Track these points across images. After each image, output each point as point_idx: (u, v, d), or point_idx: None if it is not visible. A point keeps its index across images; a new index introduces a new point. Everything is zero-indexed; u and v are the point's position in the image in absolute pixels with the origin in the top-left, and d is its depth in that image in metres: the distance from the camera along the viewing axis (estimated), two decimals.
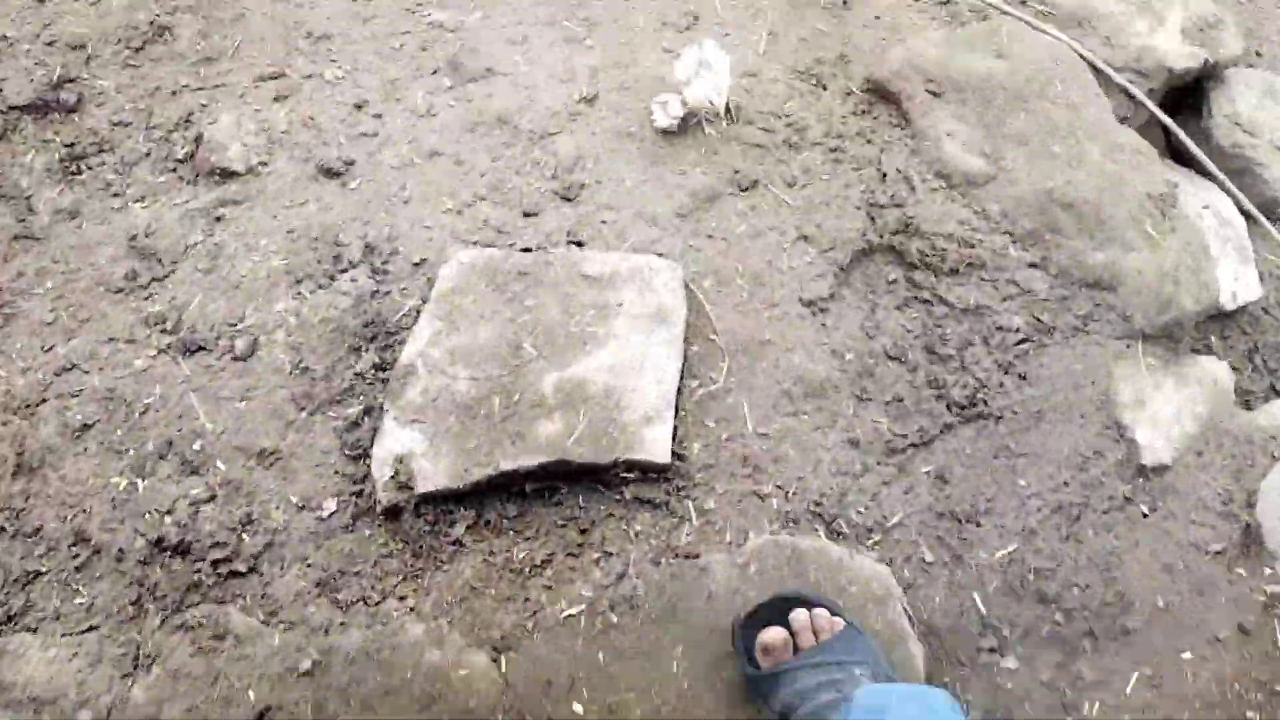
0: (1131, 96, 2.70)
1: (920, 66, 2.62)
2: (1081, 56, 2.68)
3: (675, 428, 2.19)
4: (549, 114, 2.64)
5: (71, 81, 2.68)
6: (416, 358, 2.23)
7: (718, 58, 2.53)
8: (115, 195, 2.53)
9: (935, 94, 2.60)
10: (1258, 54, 3.17)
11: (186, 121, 2.63)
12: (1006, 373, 2.36)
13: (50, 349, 2.32)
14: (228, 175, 2.52)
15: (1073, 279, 2.44)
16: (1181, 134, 2.71)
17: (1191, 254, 2.44)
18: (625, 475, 2.14)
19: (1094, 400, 2.33)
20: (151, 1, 2.83)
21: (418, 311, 2.34)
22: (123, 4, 2.81)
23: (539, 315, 2.28)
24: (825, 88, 2.72)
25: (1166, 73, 2.73)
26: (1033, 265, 2.46)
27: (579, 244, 2.46)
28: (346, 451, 2.18)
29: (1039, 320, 2.41)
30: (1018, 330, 2.39)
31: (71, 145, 2.58)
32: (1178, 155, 2.90)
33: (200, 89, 2.69)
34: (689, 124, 2.62)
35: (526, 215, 2.50)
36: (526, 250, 2.43)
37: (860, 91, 2.71)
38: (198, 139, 2.55)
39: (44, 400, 2.24)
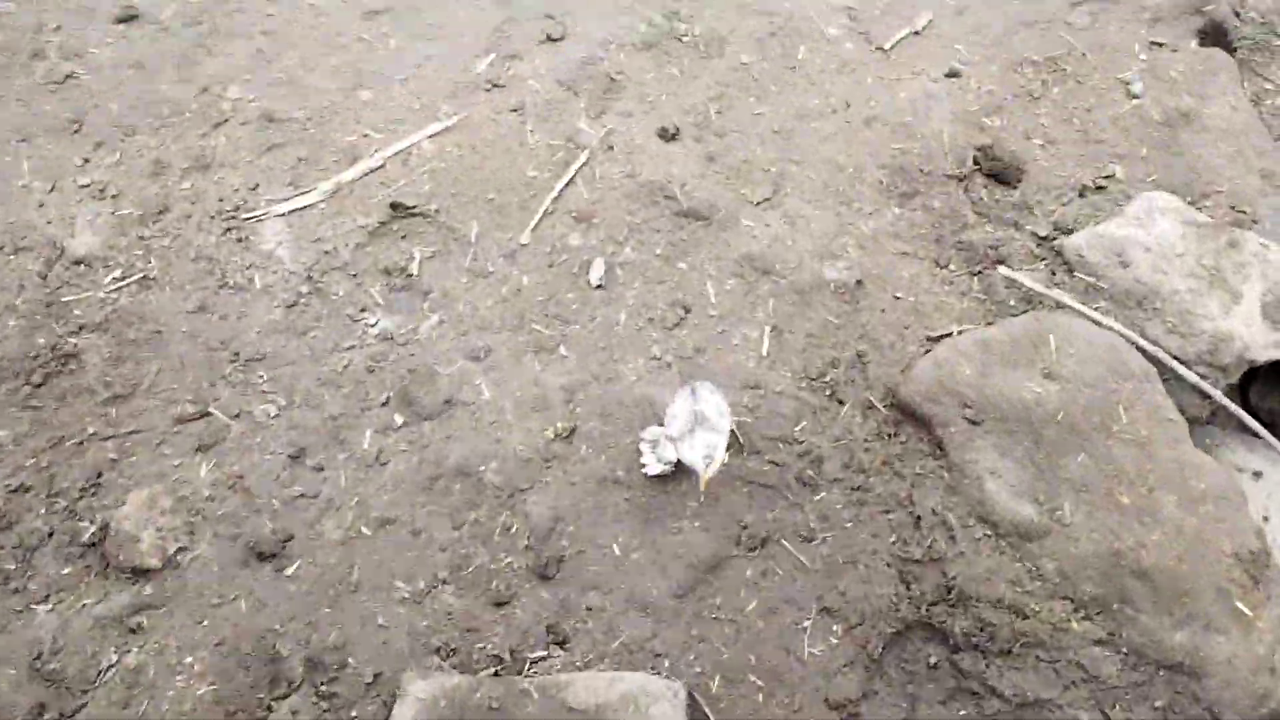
0: (1206, 395, 2.29)
1: (953, 389, 2.21)
2: (1144, 352, 2.27)
3: None
4: (519, 461, 2.24)
5: None
6: None
7: (713, 406, 2.12)
8: (16, 592, 2.15)
9: (974, 422, 2.20)
10: None
11: (95, 484, 2.24)
12: None
13: None
14: (141, 573, 2.13)
15: (1148, 660, 2.05)
16: (1267, 435, 2.31)
17: None
18: None
19: None
20: (53, 322, 2.42)
21: None
22: (20, 327, 2.41)
23: None
24: (842, 401, 2.31)
25: (1247, 365, 2.32)
26: (1099, 642, 2.07)
27: (561, 644, 2.08)
28: None
29: (1108, 717, 2.02)
30: None
31: None
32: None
33: (110, 437, 2.30)
34: (683, 465, 2.22)
35: (497, 605, 2.12)
36: (498, 662, 2.05)
37: (883, 407, 2.30)
38: (105, 527, 2.16)
39: None
